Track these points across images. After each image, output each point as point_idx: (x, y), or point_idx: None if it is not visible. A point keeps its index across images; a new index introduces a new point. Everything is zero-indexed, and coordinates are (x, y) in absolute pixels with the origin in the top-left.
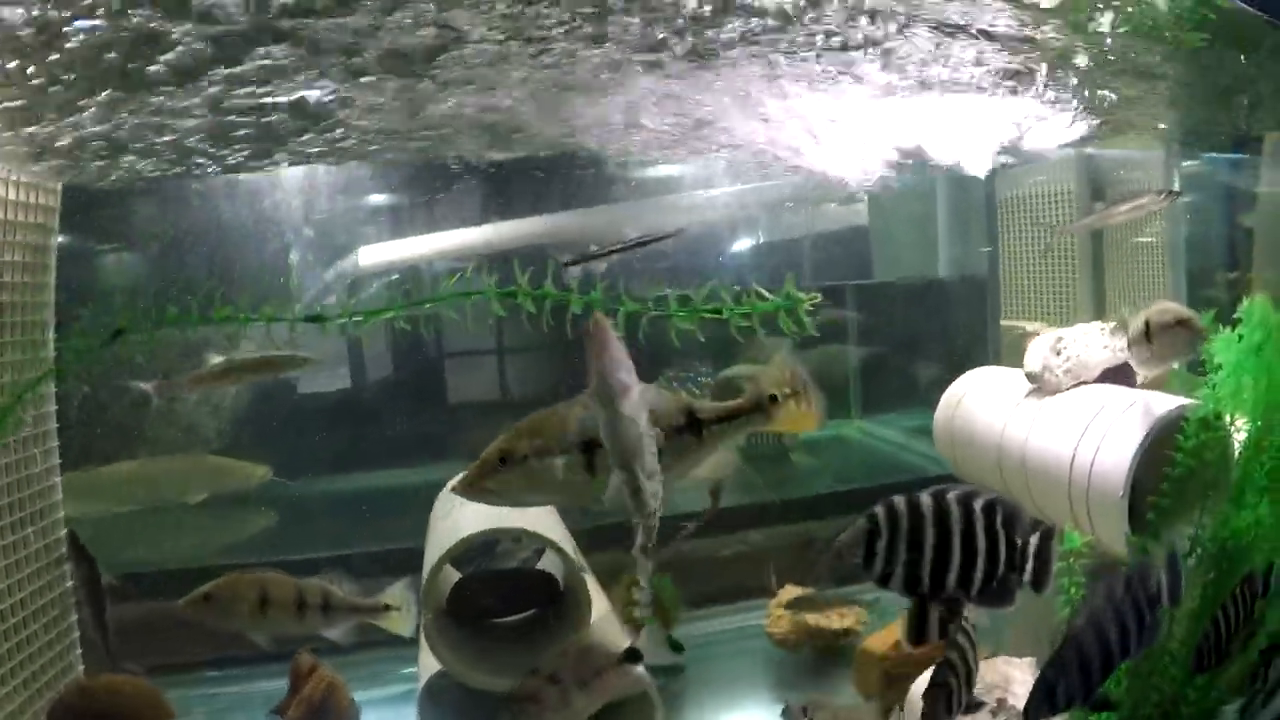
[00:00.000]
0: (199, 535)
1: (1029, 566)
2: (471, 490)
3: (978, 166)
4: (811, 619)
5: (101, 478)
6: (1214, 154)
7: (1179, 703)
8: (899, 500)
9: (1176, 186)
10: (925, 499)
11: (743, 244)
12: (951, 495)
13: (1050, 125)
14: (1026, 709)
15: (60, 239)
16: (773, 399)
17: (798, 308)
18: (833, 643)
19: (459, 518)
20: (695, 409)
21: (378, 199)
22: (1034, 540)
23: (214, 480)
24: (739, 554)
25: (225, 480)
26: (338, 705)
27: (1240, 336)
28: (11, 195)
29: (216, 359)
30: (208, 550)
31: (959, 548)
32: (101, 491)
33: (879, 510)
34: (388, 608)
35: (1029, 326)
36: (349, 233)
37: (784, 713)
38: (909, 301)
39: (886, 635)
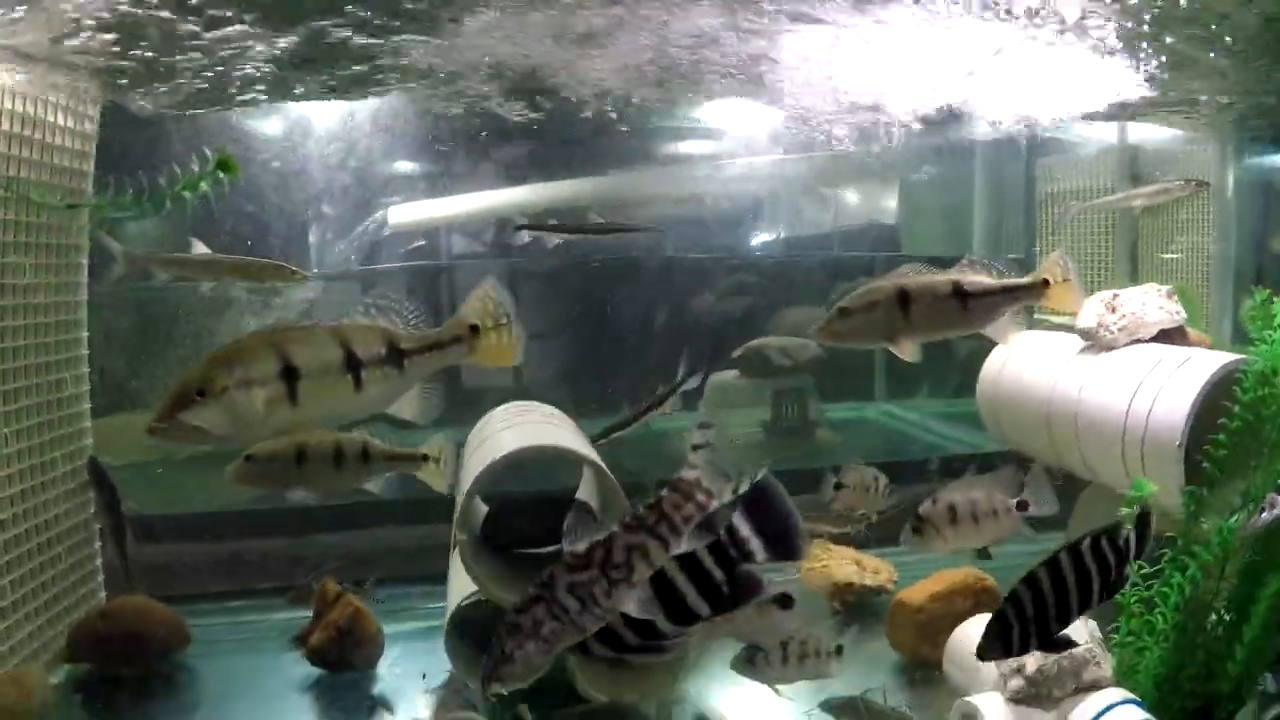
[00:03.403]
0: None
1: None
2: (164, 430)
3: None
4: (844, 575)
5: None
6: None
7: (1224, 659)
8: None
9: (1231, 183)
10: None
11: (773, 216)
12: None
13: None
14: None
15: None
16: (474, 329)
17: None
18: (866, 598)
19: (496, 443)
20: (397, 339)
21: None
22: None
23: None
24: None
25: None
26: (363, 632)
27: None
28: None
29: (202, 249)
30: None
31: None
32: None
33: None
34: (426, 458)
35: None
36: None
37: None
38: None
39: (921, 589)
